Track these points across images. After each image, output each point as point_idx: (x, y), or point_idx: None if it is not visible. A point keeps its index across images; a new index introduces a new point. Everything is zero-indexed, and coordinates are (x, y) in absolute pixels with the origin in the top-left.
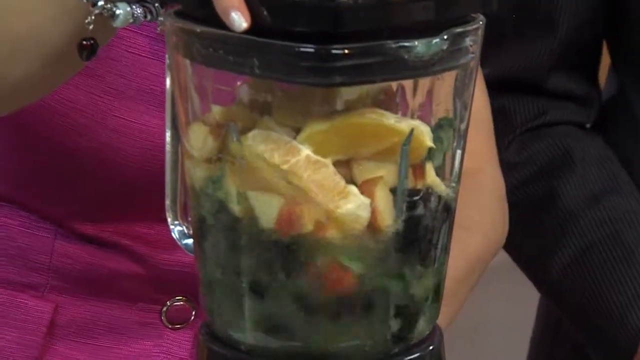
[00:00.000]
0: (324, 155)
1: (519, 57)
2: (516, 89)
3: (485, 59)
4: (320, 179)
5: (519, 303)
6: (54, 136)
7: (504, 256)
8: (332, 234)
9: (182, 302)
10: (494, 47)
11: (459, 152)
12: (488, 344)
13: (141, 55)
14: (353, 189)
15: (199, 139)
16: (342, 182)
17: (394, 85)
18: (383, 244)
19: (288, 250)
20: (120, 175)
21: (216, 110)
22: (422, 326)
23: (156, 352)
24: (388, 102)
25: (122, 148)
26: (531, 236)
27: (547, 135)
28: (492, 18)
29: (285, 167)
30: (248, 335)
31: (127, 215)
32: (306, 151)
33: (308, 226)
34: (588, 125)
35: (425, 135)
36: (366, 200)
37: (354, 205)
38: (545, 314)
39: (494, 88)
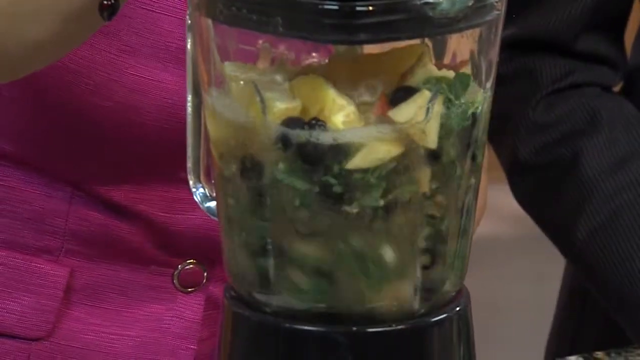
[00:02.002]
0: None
1: (550, 16)
2: (544, 49)
3: (513, 18)
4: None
5: (533, 281)
6: (71, 97)
7: (521, 232)
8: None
9: (193, 266)
10: (524, 6)
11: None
12: (502, 322)
13: (155, 12)
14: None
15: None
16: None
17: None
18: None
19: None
20: (138, 135)
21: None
22: (448, 286)
23: (168, 316)
24: None
25: (139, 106)
26: (556, 201)
27: (574, 96)
28: None
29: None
30: (273, 298)
31: (145, 177)
32: (331, 94)
33: None
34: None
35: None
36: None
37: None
38: (570, 288)
39: (521, 48)
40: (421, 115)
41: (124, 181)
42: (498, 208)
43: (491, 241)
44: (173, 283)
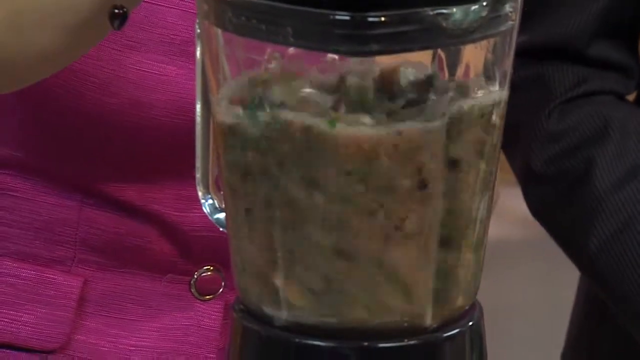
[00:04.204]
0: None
1: (562, 23)
2: (556, 56)
3: (525, 26)
4: None
5: (545, 284)
6: (76, 97)
7: (532, 235)
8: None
9: (210, 272)
10: (536, 13)
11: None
12: (512, 325)
13: (157, 5)
14: None
15: None
16: None
17: (430, 54)
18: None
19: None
20: (147, 131)
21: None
22: (461, 301)
23: (186, 325)
24: None
25: (147, 102)
26: (568, 211)
27: (586, 104)
28: None
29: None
30: (283, 312)
31: (156, 175)
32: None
33: None
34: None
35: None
36: None
37: None
38: (586, 301)
39: (533, 55)
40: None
41: (135, 180)
42: (509, 211)
43: (502, 244)
44: (190, 291)
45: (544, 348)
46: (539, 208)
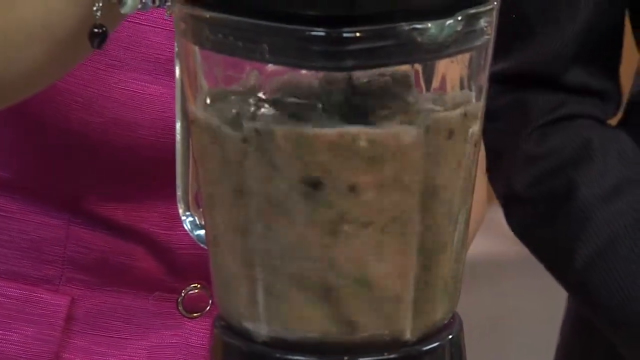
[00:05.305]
0: None
1: (539, 50)
2: (534, 83)
3: (503, 53)
4: None
5: (543, 296)
6: (63, 116)
7: (520, 252)
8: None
9: (198, 290)
10: (513, 41)
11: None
12: (510, 339)
13: (141, 24)
14: None
15: None
16: None
17: (407, 69)
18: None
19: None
20: (134, 151)
21: None
22: (440, 314)
23: (174, 342)
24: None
25: (131, 121)
26: (552, 232)
27: (566, 127)
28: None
29: None
30: (264, 327)
31: (144, 193)
32: None
33: None
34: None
35: None
36: None
37: None
38: (574, 320)
39: (512, 83)
40: None
41: (122, 199)
42: (502, 225)
43: (496, 258)
44: (178, 309)
45: (539, 358)
46: (522, 230)
